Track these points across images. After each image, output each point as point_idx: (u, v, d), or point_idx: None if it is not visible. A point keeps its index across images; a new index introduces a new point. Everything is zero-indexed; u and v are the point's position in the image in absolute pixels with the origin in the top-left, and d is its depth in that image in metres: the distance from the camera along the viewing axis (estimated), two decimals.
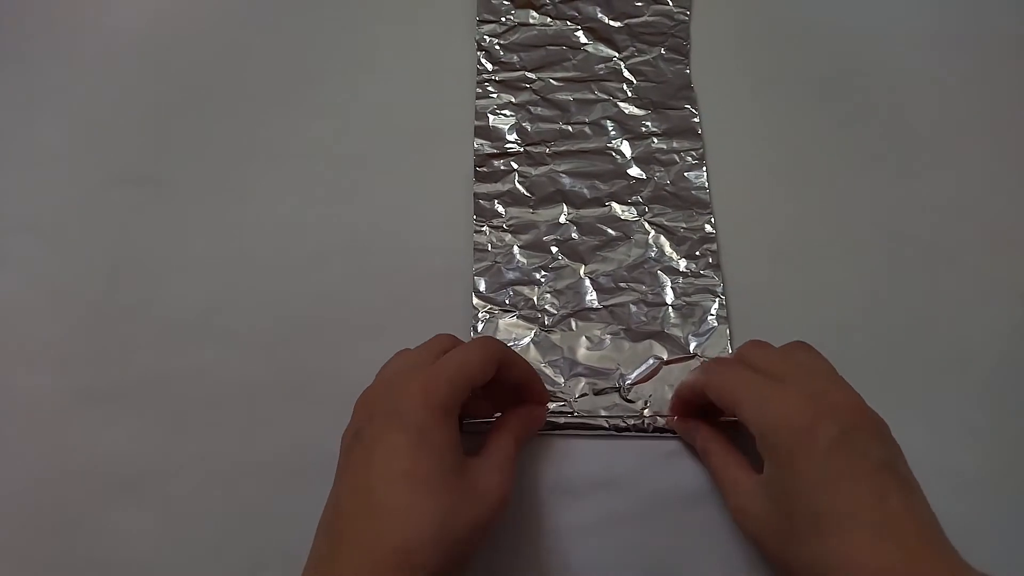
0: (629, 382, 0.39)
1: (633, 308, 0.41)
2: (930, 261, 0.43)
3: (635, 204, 0.44)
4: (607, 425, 0.38)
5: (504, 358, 0.34)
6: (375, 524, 0.28)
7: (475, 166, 0.44)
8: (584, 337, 0.40)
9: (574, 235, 0.43)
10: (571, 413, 0.38)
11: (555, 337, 0.40)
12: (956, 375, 0.40)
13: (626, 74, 0.48)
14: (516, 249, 0.42)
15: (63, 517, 0.37)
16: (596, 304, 0.41)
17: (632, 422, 0.38)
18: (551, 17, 0.49)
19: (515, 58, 0.48)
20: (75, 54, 0.49)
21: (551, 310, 0.41)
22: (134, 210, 0.44)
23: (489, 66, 0.48)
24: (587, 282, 0.42)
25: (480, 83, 0.47)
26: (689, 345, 0.40)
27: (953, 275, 0.42)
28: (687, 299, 0.41)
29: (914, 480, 0.31)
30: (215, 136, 0.46)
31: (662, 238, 0.43)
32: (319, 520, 0.31)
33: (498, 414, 0.37)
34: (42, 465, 0.38)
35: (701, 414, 0.37)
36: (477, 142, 0.45)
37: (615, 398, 0.39)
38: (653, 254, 0.42)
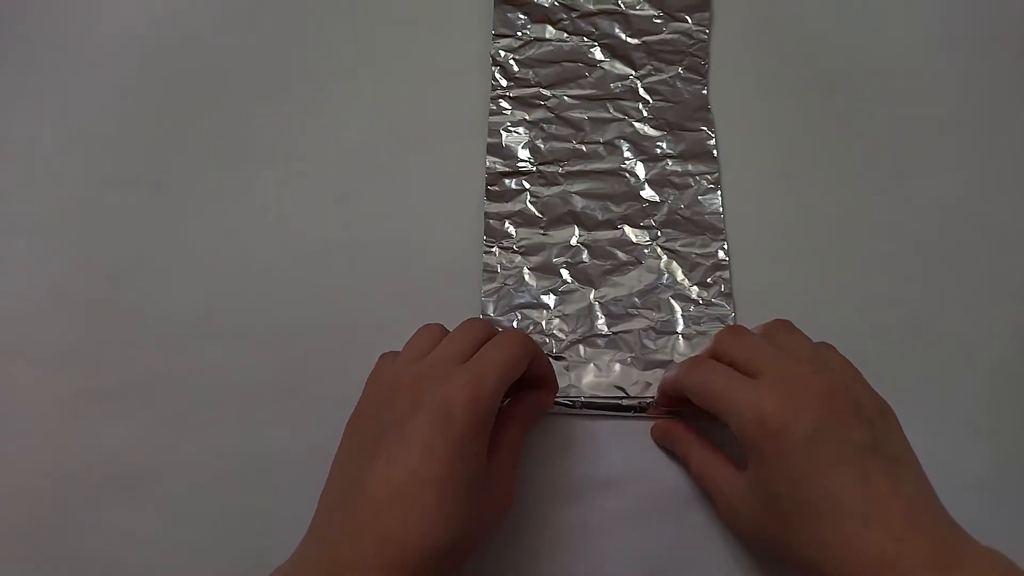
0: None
1: (643, 336, 0.40)
2: (930, 261, 0.43)
3: (648, 228, 0.43)
4: (608, 404, 0.39)
5: (534, 354, 0.35)
6: (402, 518, 0.29)
7: (487, 185, 0.44)
8: (592, 364, 0.40)
9: (585, 258, 0.42)
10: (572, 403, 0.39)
11: (562, 364, 0.40)
12: (958, 375, 0.40)
13: (642, 93, 0.47)
14: (526, 272, 0.42)
15: (63, 517, 0.38)
16: (605, 331, 0.41)
17: (627, 403, 0.39)
18: (568, 32, 0.48)
19: (530, 74, 0.47)
20: (75, 55, 0.49)
21: (559, 335, 0.40)
22: (134, 210, 0.44)
23: (504, 82, 0.47)
24: (597, 308, 0.41)
25: (494, 99, 0.46)
26: None
27: (954, 275, 0.42)
28: (697, 328, 0.40)
29: (903, 452, 0.31)
30: (215, 137, 0.46)
31: (674, 264, 0.42)
32: (328, 487, 0.32)
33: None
34: (42, 465, 0.39)
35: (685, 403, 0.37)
36: (489, 160, 0.45)
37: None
38: (665, 280, 0.42)
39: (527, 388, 0.36)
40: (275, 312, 0.42)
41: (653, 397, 0.39)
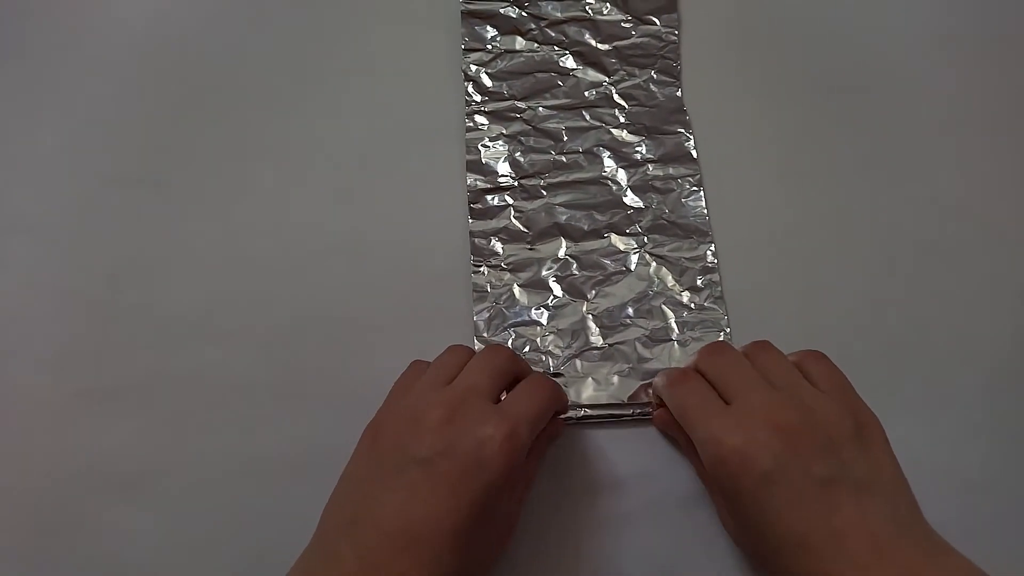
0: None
1: (638, 345, 0.40)
2: (930, 261, 0.43)
3: (634, 235, 0.43)
4: (608, 413, 0.39)
5: (560, 400, 0.35)
6: (417, 560, 0.29)
7: (469, 203, 0.43)
8: (591, 378, 0.40)
9: (574, 270, 0.42)
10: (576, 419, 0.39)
11: (561, 380, 0.39)
12: (956, 375, 0.40)
13: (617, 99, 0.47)
14: (516, 289, 0.42)
15: (63, 517, 0.37)
16: (600, 343, 0.40)
17: (626, 412, 0.39)
18: (538, 42, 0.48)
19: (504, 87, 0.47)
20: (75, 54, 0.48)
21: (555, 351, 0.40)
22: (134, 210, 0.44)
23: (477, 97, 0.46)
24: (590, 320, 0.41)
25: (469, 115, 0.46)
26: None
27: (953, 275, 0.42)
28: (692, 334, 0.40)
29: (877, 474, 0.31)
30: (215, 136, 0.46)
31: (663, 270, 0.42)
32: (337, 501, 0.31)
33: None
34: (42, 465, 0.38)
35: None
36: (470, 177, 0.44)
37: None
38: (655, 287, 0.42)
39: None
40: (275, 312, 0.42)
41: (649, 402, 0.39)
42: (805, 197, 0.44)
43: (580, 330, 0.41)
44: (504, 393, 0.34)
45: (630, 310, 0.41)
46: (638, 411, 0.39)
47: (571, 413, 0.39)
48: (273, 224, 0.44)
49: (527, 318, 0.41)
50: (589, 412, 0.39)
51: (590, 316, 0.41)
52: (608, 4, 0.49)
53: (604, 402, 0.39)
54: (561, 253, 0.43)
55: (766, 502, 0.30)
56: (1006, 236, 0.43)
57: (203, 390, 0.40)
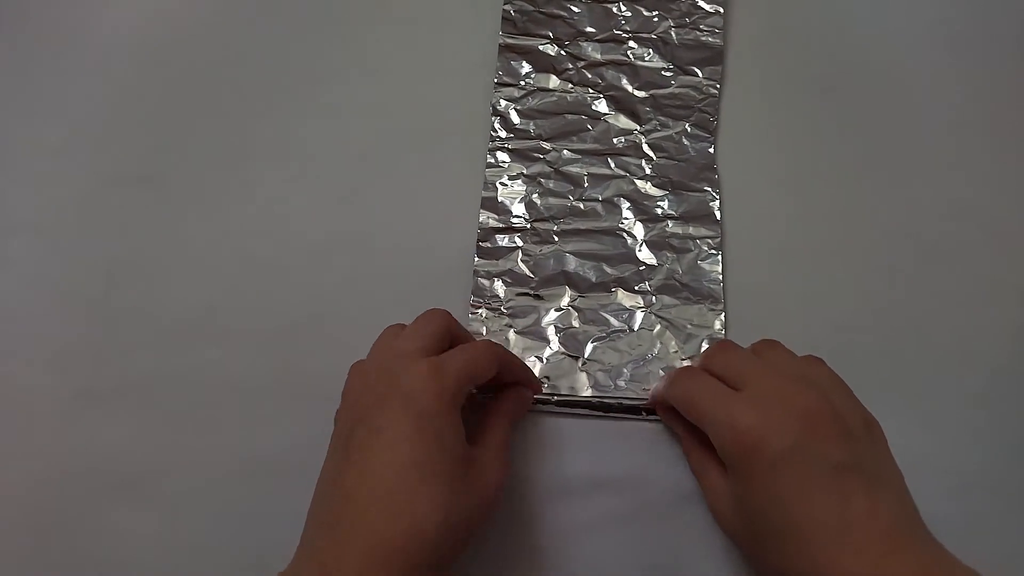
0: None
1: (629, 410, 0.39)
2: (931, 261, 0.42)
3: (643, 293, 0.41)
4: (596, 403, 0.39)
5: (504, 360, 0.35)
6: (385, 511, 0.29)
7: (478, 241, 0.43)
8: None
9: (575, 323, 0.41)
10: (558, 396, 0.39)
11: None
12: (957, 375, 0.40)
13: (646, 149, 0.45)
14: (512, 335, 0.41)
15: (63, 517, 0.38)
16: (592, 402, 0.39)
17: (623, 402, 0.39)
18: (572, 83, 0.47)
19: (531, 126, 0.46)
20: (75, 54, 0.49)
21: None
22: (134, 210, 0.44)
23: (503, 133, 0.45)
24: (584, 377, 0.40)
25: (492, 151, 0.45)
26: None
27: (954, 275, 0.42)
28: None
29: (886, 470, 0.31)
30: (215, 136, 0.46)
31: (667, 334, 0.40)
32: (313, 498, 0.31)
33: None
34: (42, 465, 0.39)
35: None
36: (483, 215, 0.43)
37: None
38: (656, 351, 0.40)
39: (509, 386, 0.37)
40: (275, 312, 0.42)
41: (638, 398, 0.39)
42: (806, 201, 0.44)
43: (572, 387, 0.39)
44: None
45: (626, 372, 0.40)
46: (621, 403, 0.39)
47: (549, 397, 0.39)
48: (273, 224, 0.44)
49: None
50: (565, 400, 0.39)
51: (584, 374, 0.40)
52: (651, 50, 0.47)
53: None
54: (564, 303, 0.41)
55: (780, 483, 0.29)
56: (1006, 236, 0.43)
57: (203, 390, 0.40)
